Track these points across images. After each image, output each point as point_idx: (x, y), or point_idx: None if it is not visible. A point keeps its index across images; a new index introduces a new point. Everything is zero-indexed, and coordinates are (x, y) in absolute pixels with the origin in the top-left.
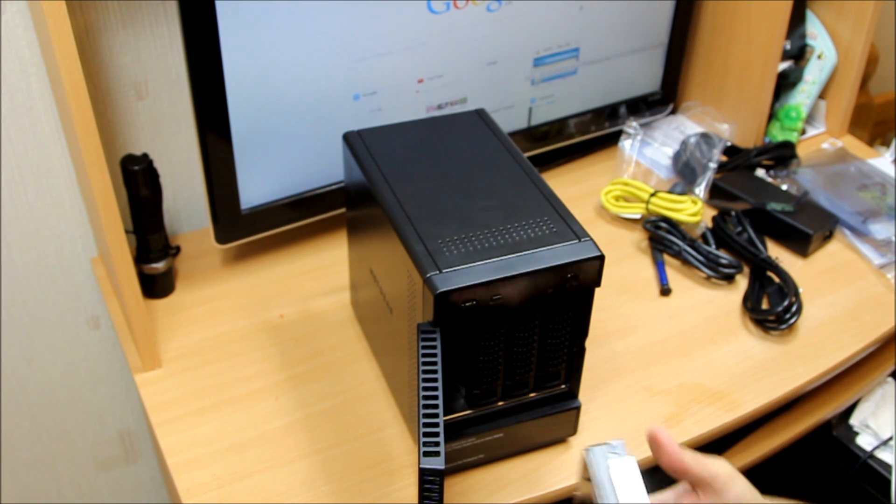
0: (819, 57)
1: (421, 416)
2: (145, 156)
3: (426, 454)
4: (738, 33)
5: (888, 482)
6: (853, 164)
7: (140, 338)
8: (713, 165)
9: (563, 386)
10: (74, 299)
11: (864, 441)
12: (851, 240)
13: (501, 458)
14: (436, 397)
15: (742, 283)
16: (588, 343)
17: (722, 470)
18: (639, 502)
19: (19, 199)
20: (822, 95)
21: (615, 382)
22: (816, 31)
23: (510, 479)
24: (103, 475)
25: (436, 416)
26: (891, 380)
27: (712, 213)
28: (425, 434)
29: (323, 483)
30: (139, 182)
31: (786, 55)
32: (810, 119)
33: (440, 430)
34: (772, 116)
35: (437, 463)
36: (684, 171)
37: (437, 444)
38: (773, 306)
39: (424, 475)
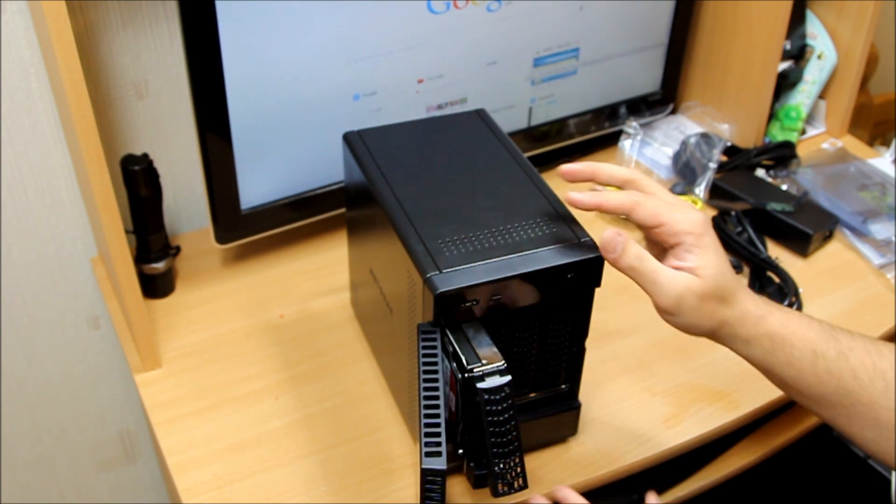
0: (819, 57)
1: (422, 416)
2: (145, 156)
3: (427, 454)
4: (738, 33)
5: (888, 482)
6: (853, 164)
7: (140, 338)
8: (713, 165)
9: (563, 386)
10: (74, 299)
11: None
12: (851, 240)
13: None
14: (436, 397)
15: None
16: (588, 343)
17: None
18: None
19: (19, 199)
20: (822, 95)
21: (615, 382)
22: (816, 31)
23: None
24: (103, 475)
25: (437, 416)
26: None
27: (712, 213)
28: (426, 434)
29: (323, 483)
30: (139, 182)
31: (786, 55)
32: (810, 119)
33: (441, 430)
34: (772, 116)
35: (439, 463)
36: (684, 171)
37: (438, 444)
38: None
39: (426, 475)
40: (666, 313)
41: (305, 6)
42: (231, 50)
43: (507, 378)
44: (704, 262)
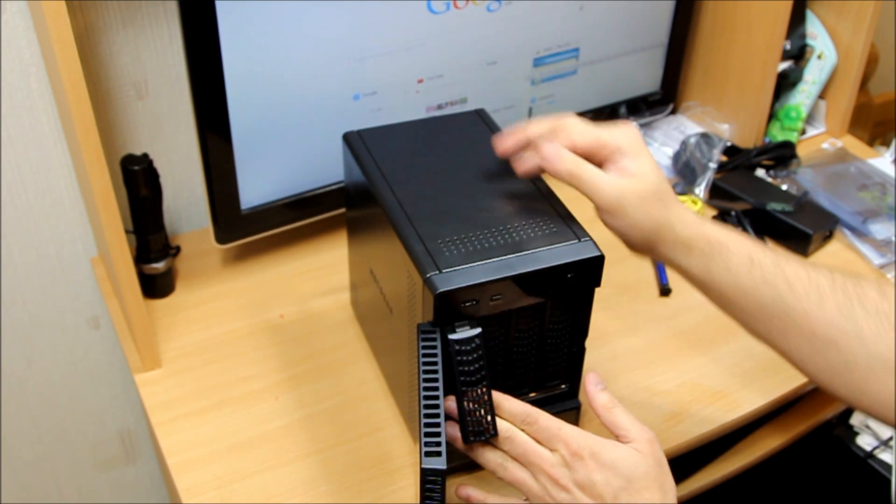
0: (819, 57)
1: (422, 416)
2: (145, 156)
3: (427, 454)
4: (738, 33)
5: (888, 482)
6: (853, 164)
7: (140, 338)
8: (713, 165)
9: (563, 386)
10: (74, 299)
11: (864, 441)
12: (851, 240)
13: None
14: (436, 397)
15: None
16: (588, 343)
17: None
18: None
19: (19, 199)
20: (822, 95)
21: (615, 382)
22: (816, 31)
23: None
24: (103, 475)
25: (436, 416)
26: None
27: (712, 213)
28: (426, 434)
29: (323, 483)
30: (139, 182)
31: (786, 55)
32: (810, 119)
33: (441, 430)
34: (772, 116)
35: (439, 463)
36: (684, 171)
37: (438, 444)
38: None
39: (426, 475)
40: (607, 213)
41: (305, 6)
42: (231, 50)
43: (478, 330)
44: (643, 166)
